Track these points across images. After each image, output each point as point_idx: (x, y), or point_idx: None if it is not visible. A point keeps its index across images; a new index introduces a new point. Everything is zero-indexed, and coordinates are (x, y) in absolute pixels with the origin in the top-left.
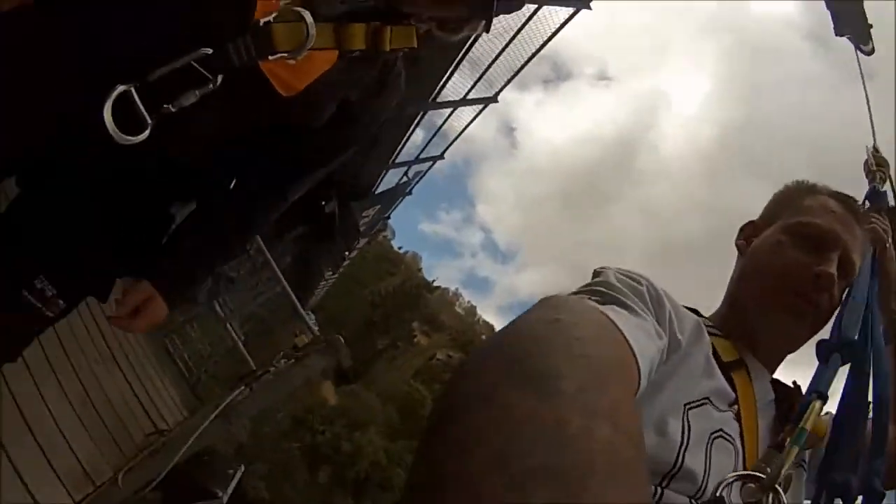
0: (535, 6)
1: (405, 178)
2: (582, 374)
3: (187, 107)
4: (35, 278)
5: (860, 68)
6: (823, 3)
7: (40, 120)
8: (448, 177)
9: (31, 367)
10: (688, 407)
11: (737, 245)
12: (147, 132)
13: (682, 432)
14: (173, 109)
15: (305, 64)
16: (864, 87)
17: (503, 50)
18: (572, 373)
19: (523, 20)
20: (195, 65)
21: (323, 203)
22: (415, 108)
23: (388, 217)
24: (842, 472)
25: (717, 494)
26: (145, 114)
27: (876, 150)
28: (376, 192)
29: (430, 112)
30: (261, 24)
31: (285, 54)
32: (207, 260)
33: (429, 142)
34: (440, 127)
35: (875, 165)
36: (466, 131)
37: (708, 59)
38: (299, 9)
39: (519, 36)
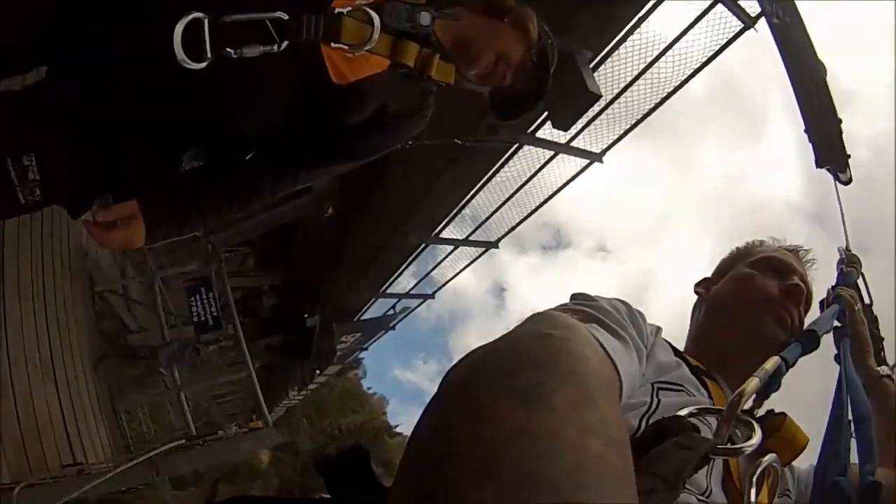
0: (552, 153)
1: (392, 311)
2: (571, 390)
3: (248, 60)
4: (25, 154)
5: (839, 199)
6: (821, 184)
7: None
8: (432, 328)
9: None
10: (657, 386)
11: (696, 292)
12: (204, 63)
13: (650, 403)
14: (234, 55)
15: (361, 61)
16: (843, 222)
17: (516, 191)
18: (562, 388)
19: (538, 166)
20: (268, 24)
21: (305, 316)
22: (417, 239)
23: (367, 348)
24: (832, 475)
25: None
26: (208, 47)
27: (848, 249)
28: (361, 319)
29: (426, 252)
30: (336, 12)
31: (346, 46)
32: (203, 208)
33: (424, 277)
34: (439, 263)
35: (849, 262)
36: (459, 284)
37: (706, 237)
38: (371, 12)
39: (527, 188)
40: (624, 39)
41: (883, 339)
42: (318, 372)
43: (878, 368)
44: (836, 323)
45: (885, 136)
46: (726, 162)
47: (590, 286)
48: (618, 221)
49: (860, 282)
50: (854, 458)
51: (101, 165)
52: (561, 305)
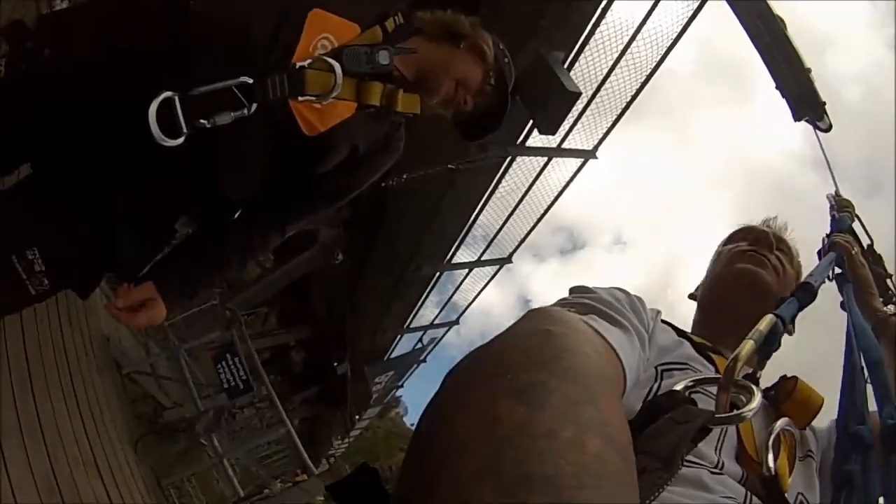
0: (546, 158)
1: (420, 345)
2: (571, 388)
3: (223, 127)
4: (28, 248)
5: (821, 147)
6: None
7: (99, 105)
8: (465, 353)
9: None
10: (661, 368)
11: (690, 297)
12: (182, 139)
13: (653, 386)
14: (208, 125)
15: (328, 109)
16: (829, 168)
17: (519, 202)
18: (562, 386)
19: (534, 174)
20: (235, 91)
21: (335, 364)
22: (431, 269)
23: (402, 385)
24: (853, 425)
25: (686, 395)
26: (183, 122)
27: (837, 194)
28: (390, 358)
29: (443, 279)
30: (297, 67)
31: (313, 98)
32: (209, 273)
33: (444, 305)
34: (457, 287)
35: (840, 208)
36: (484, 304)
37: (719, 204)
38: (331, 61)
39: (530, 197)
40: (593, 32)
41: (890, 275)
42: (357, 417)
43: (885, 309)
44: (837, 270)
45: (872, 68)
46: (723, 129)
47: (615, 279)
48: (628, 211)
49: (857, 224)
50: (873, 404)
51: (101, 244)
52: (560, 300)
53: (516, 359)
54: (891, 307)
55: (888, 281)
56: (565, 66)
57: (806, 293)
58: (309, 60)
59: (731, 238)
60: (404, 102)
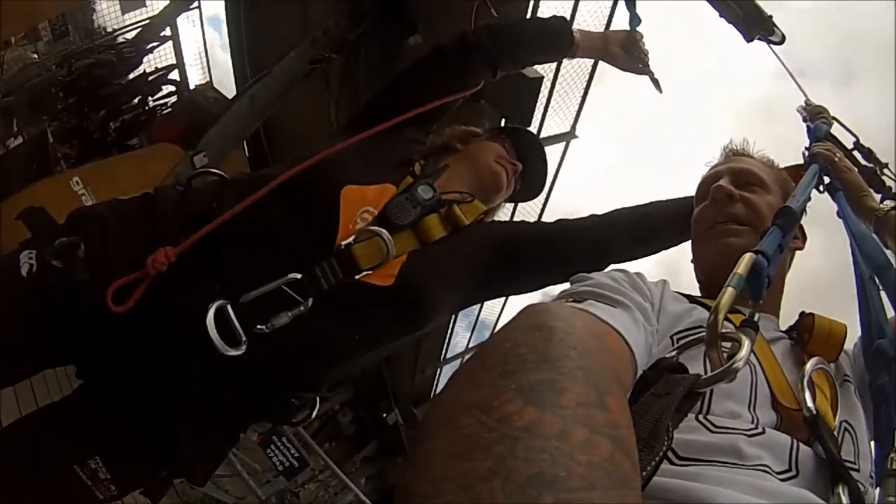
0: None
1: None
2: (581, 388)
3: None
4: (90, 458)
5: (780, 59)
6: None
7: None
8: None
9: None
10: (677, 337)
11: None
12: (243, 348)
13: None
14: (266, 330)
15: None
16: (793, 77)
17: (515, 208)
18: (572, 386)
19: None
20: (286, 289)
21: (384, 415)
22: None
23: None
24: (875, 339)
25: (674, 362)
26: (241, 331)
27: (807, 103)
28: (436, 393)
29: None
30: (342, 247)
31: (370, 271)
32: None
33: (474, 326)
34: (480, 307)
35: (814, 116)
36: (513, 313)
37: (716, 144)
38: (374, 228)
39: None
40: (536, 9)
41: (885, 164)
42: None
43: (882, 205)
44: (825, 180)
45: None
46: (693, 71)
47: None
48: (627, 179)
49: (838, 128)
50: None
51: (163, 452)
52: (561, 292)
53: (524, 357)
54: (887, 203)
55: (885, 171)
56: None
57: (787, 218)
58: (352, 237)
59: (699, 191)
60: (467, 213)
